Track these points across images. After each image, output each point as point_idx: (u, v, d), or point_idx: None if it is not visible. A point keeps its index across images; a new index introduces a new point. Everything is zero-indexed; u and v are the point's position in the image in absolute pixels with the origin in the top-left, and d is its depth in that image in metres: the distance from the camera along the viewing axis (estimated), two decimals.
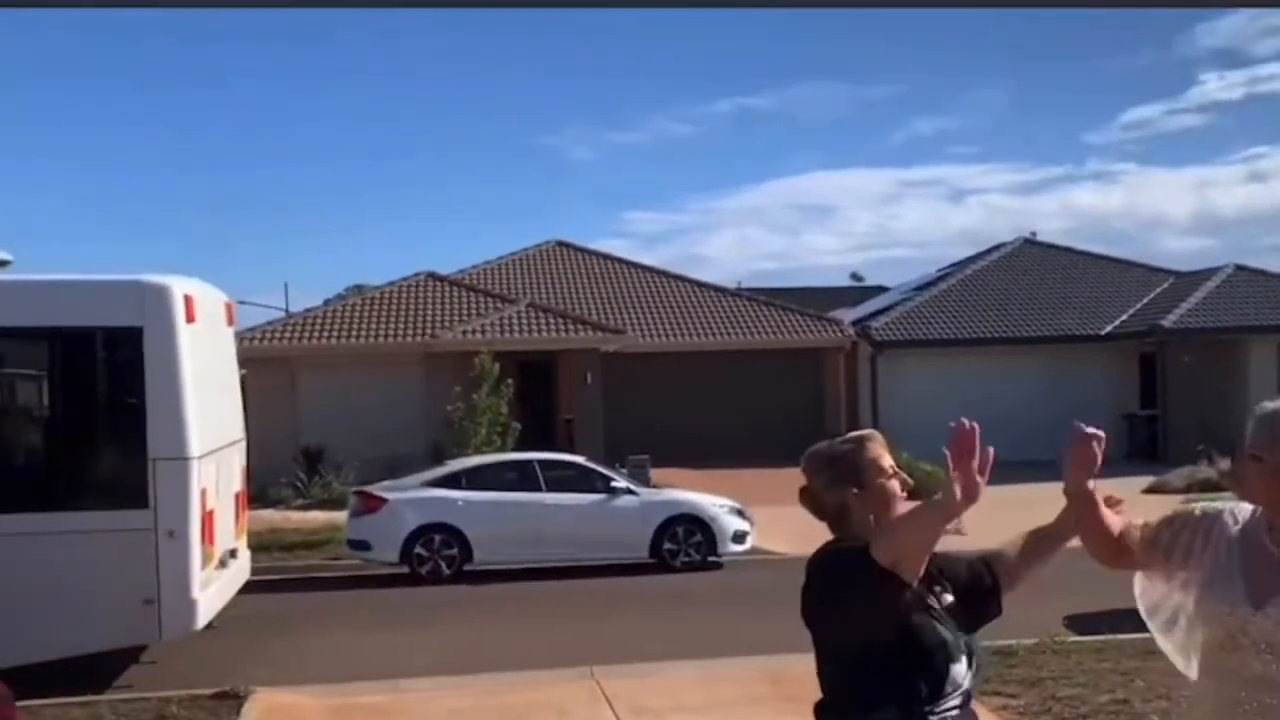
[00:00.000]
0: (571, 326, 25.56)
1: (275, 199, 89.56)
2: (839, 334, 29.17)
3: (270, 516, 19.20)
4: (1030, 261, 31.94)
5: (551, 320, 25.69)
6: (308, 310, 27.04)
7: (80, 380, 9.04)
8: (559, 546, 14.49)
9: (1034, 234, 35.14)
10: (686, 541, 14.70)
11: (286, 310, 41.44)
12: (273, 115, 79.67)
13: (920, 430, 25.87)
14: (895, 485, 2.96)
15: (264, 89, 76.51)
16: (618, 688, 8.12)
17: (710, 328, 29.09)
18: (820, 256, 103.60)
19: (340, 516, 16.45)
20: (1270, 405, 2.94)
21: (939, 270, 35.65)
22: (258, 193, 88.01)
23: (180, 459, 8.70)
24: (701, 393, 26.96)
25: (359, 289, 28.11)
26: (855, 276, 63.29)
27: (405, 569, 14.19)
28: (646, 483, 16.59)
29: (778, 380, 27.87)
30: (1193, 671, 3.07)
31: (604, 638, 10.44)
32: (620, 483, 15.22)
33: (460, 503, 14.33)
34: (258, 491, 21.35)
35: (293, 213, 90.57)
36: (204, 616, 8.97)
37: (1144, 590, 3.15)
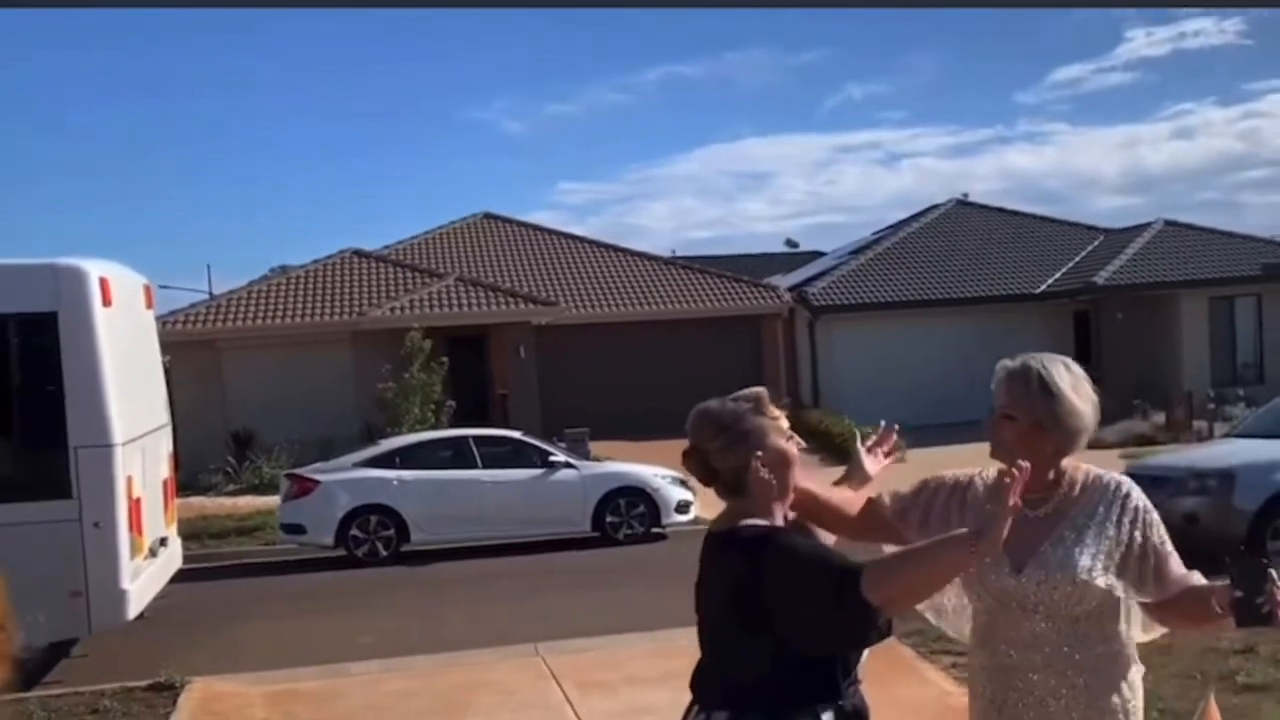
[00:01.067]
0: (502, 299, 25.41)
1: (193, 179, 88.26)
2: (776, 300, 29.26)
3: (201, 503, 18.99)
4: (964, 223, 32.28)
5: (481, 294, 25.52)
6: (231, 292, 26.59)
7: None
8: (498, 523, 14.45)
9: (966, 195, 35.49)
10: (629, 514, 14.72)
11: (210, 293, 40.86)
12: (187, 91, 78.39)
13: (859, 394, 26.22)
14: (794, 447, 2.83)
15: (181, 62, 75.27)
16: (564, 664, 8.11)
17: (645, 297, 29.06)
18: (756, 224, 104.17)
19: (273, 501, 16.29)
20: (1011, 363, 2.95)
21: (874, 234, 35.89)
22: (175, 173, 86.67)
23: (103, 446, 8.54)
24: (638, 363, 26.96)
25: (283, 269, 27.72)
26: (790, 243, 63.66)
27: (341, 552, 14.09)
28: (586, 456, 16.57)
29: (715, 349, 27.90)
30: (969, 637, 3.11)
31: (548, 614, 10.42)
32: (559, 456, 15.18)
33: (395, 482, 14.23)
34: (188, 478, 21.07)
35: (212, 193, 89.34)
36: (135, 607, 8.84)
37: None
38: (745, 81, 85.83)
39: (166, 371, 21.10)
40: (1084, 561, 2.83)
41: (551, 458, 15.06)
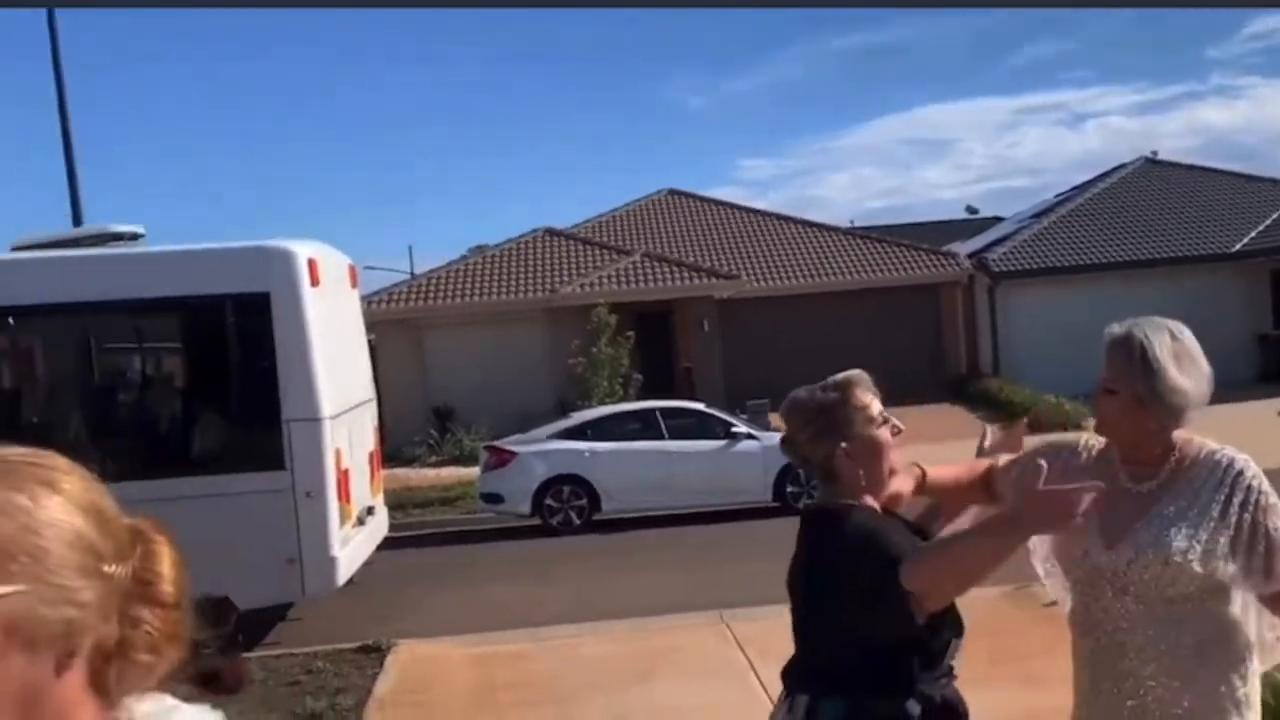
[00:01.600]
0: (686, 275, 25.43)
1: (398, 164, 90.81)
2: (955, 267, 28.51)
3: (406, 474, 19.55)
4: (1152, 182, 30.67)
5: (666, 269, 25.59)
6: (431, 271, 27.29)
7: (214, 347, 9.22)
8: (684, 493, 14.48)
9: (1155, 153, 33.76)
10: (809, 484, 14.55)
11: (411, 273, 41.96)
12: (393, 82, 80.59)
13: (1040, 362, 25.36)
14: (886, 433, 2.70)
15: (384, 56, 77.34)
16: (747, 630, 8.06)
17: (824, 268, 28.68)
18: (936, 191, 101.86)
19: (473, 472, 16.67)
20: (1117, 330, 2.73)
21: (1057, 196, 34.52)
22: (381, 158, 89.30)
23: (313, 420, 8.81)
24: (818, 334, 26.60)
25: (480, 249, 28.26)
26: (970, 209, 61.85)
27: (537, 520, 14.33)
28: (766, 427, 16.44)
29: (894, 318, 27.39)
30: (1067, 603, 2.94)
31: (732, 581, 10.39)
32: (741, 428, 15.12)
33: (587, 453, 14.40)
34: (392, 451, 21.74)
35: (415, 177, 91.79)
36: (344, 573, 9.13)
37: None
38: (924, 47, 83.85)
39: (372, 349, 21.79)
40: (1179, 543, 2.61)
41: (734, 429, 15.02)
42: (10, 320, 9.59)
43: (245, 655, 8.46)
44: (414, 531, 14.66)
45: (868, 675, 2.57)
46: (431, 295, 25.51)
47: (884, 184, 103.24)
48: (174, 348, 9.86)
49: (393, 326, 24.51)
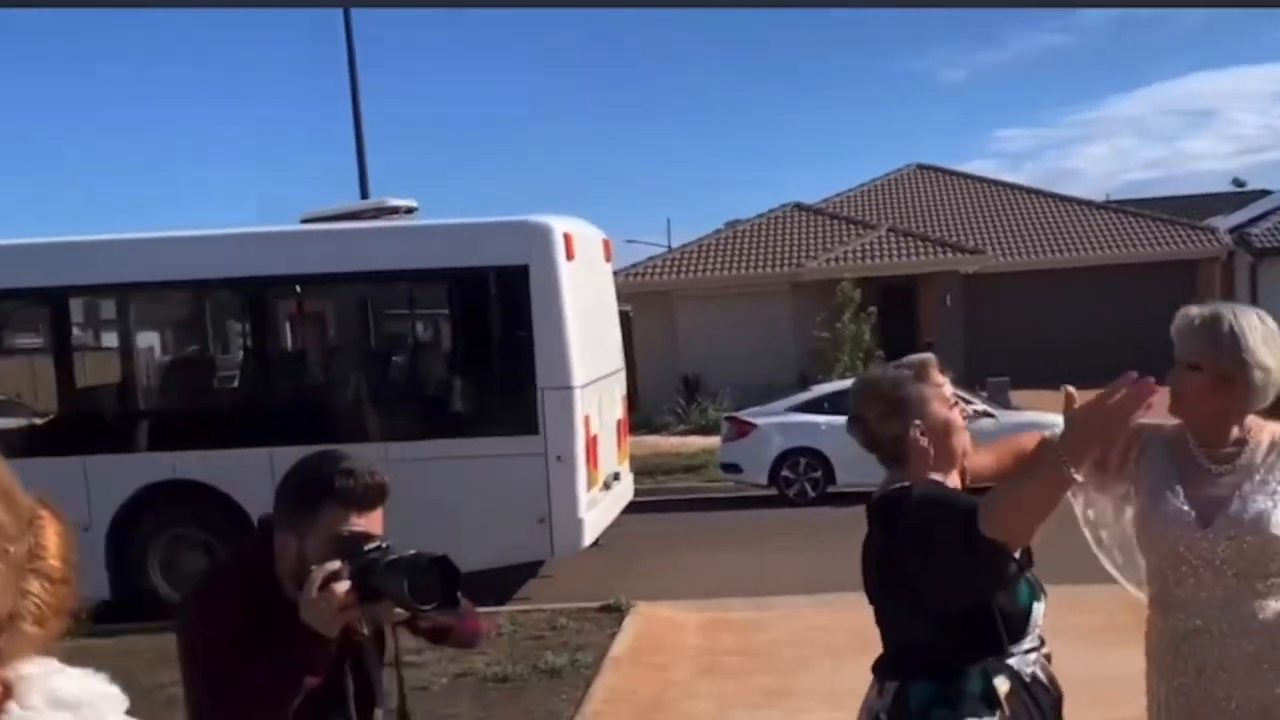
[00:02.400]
0: (930, 249, 24.72)
1: (658, 140, 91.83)
2: (1214, 243, 26.68)
3: (654, 441, 19.77)
4: None
5: (911, 244, 24.95)
6: (684, 245, 27.47)
7: (474, 317, 9.51)
8: None
9: None
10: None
11: (668, 246, 42.41)
12: (651, 56, 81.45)
13: None
14: (957, 415, 2.59)
15: (638, 28, 78.30)
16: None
17: (1073, 243, 27.35)
18: (1200, 163, 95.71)
19: (716, 441, 16.72)
20: (1201, 310, 2.70)
21: None
22: (646, 134, 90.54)
23: (565, 388, 8.98)
24: (1065, 311, 25.44)
25: (733, 224, 28.27)
26: (1237, 182, 57.66)
27: (774, 491, 14.25)
28: (1006, 404, 15.83)
29: (1146, 295, 25.78)
30: (1143, 595, 2.82)
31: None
32: (978, 405, 14.59)
33: (823, 427, 14.18)
34: (642, 419, 22.08)
35: (676, 150, 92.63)
36: (590, 535, 9.31)
37: (1086, 506, 2.89)
38: (1190, 13, 78.65)
39: (627, 319, 22.17)
40: (1277, 517, 2.55)
41: (971, 406, 14.51)
42: (298, 288, 10.18)
43: (488, 611, 8.74)
44: (658, 497, 14.80)
45: (954, 653, 2.46)
46: (684, 268, 25.67)
47: (1145, 155, 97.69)
48: (439, 316, 10.26)
49: (647, 298, 24.81)
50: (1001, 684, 2.46)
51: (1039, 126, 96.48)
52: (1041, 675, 2.55)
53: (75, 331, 10.42)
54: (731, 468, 14.69)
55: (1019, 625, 2.52)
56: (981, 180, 31.74)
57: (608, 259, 11.02)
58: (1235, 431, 2.67)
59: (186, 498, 9.24)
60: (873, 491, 2.69)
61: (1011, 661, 2.48)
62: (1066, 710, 2.63)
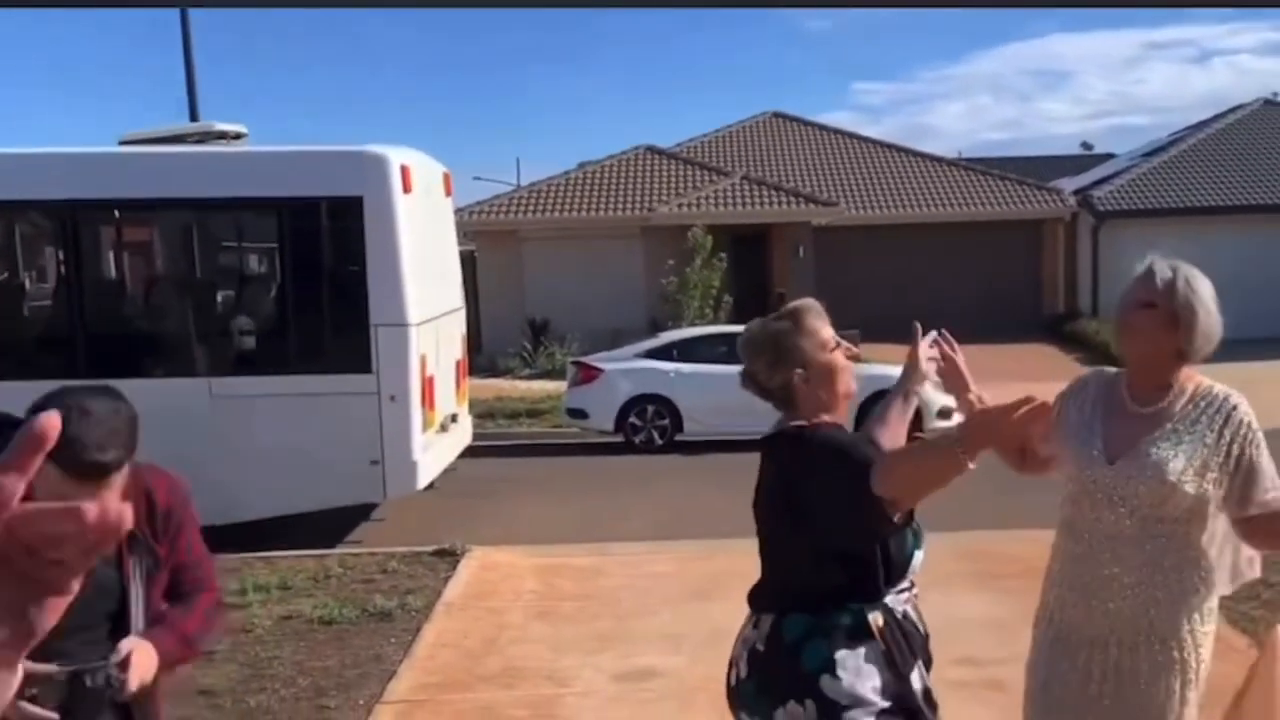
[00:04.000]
0: (783, 199, 25.05)
1: (513, 76, 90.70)
2: (1059, 204, 27.70)
3: (499, 385, 19.69)
4: (1271, 124, 29.28)
5: (764, 193, 25.24)
6: (533, 184, 27.23)
7: (305, 249, 9.23)
8: (766, 418, 14.31)
9: (1275, 94, 32.30)
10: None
11: (517, 185, 42.00)
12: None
13: None
14: (840, 358, 2.77)
15: None
16: None
17: (924, 199, 28.06)
18: (1053, 125, 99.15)
19: (562, 386, 16.71)
20: (1162, 259, 2.93)
21: (1170, 135, 33.28)
22: (498, 69, 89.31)
23: (400, 325, 8.85)
24: (914, 266, 26.15)
25: (584, 164, 28.14)
26: (1085, 145, 59.87)
27: (620, 438, 14.33)
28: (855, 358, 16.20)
29: (993, 254, 26.78)
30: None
31: None
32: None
33: (672, 374, 14.32)
34: (487, 361, 21.96)
35: (528, 91, 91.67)
36: (425, 477, 9.22)
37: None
38: None
39: (472, 259, 21.86)
40: (1177, 464, 2.80)
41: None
42: (116, 213, 9.77)
43: (317, 554, 8.61)
44: (500, 442, 14.78)
45: (834, 590, 2.63)
46: (532, 208, 25.49)
47: (1000, 115, 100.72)
48: (268, 247, 9.96)
49: (493, 237, 24.58)
50: (876, 618, 2.63)
51: (899, 81, 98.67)
52: (912, 613, 2.73)
53: None
54: (577, 413, 14.72)
55: (899, 571, 2.69)
56: (837, 132, 32.22)
57: (448, 193, 10.84)
58: (1168, 377, 2.90)
59: None
60: (766, 433, 2.84)
61: (887, 599, 2.66)
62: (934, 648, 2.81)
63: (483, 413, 15.31)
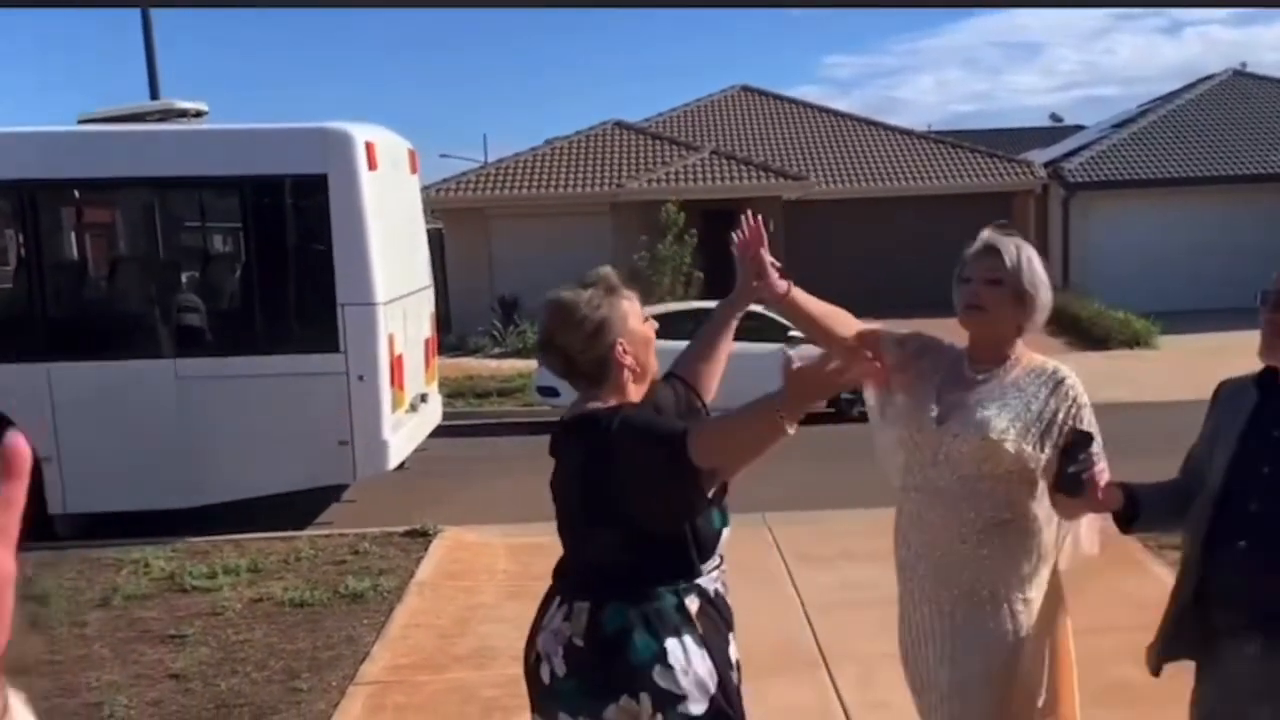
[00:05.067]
0: (753, 173, 25.09)
1: (477, 54, 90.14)
2: (1029, 176, 27.85)
3: (468, 364, 19.65)
4: (1241, 95, 29.44)
5: (734, 167, 25.25)
6: (500, 161, 27.15)
7: (270, 228, 9.20)
8: (738, 395, 14.31)
9: (1244, 65, 32.50)
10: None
11: (484, 162, 41.85)
12: None
13: (1114, 277, 24.78)
14: (650, 329, 2.71)
15: None
16: (787, 534, 8.08)
17: (895, 172, 28.14)
18: (1022, 98, 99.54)
19: (533, 364, 16.70)
20: (1001, 235, 3.01)
21: (1139, 107, 33.46)
22: (460, 48, 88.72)
23: (367, 305, 8.84)
24: (885, 240, 26.24)
25: (552, 141, 28.07)
26: (1054, 117, 60.02)
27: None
28: None
29: (964, 227, 26.29)
30: (894, 479, 3.20)
31: (779, 484, 10.37)
32: (798, 332, 14.93)
33: None
34: (456, 340, 21.91)
35: (495, 67, 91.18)
36: (395, 457, 9.23)
37: (880, 401, 3.23)
38: None
39: (439, 237, 21.75)
40: (999, 423, 2.91)
41: (791, 333, 14.84)
42: (76, 193, 9.70)
43: (287, 535, 8.62)
44: (471, 421, 14.77)
45: (650, 574, 2.56)
46: (499, 184, 25.41)
47: (970, 88, 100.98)
48: (233, 227, 9.92)
49: (461, 215, 24.50)
50: (692, 602, 2.58)
51: (868, 54, 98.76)
52: (723, 590, 2.69)
53: None
54: (548, 391, 14.68)
55: (709, 547, 2.64)
56: (806, 105, 32.25)
57: (414, 170, 10.80)
58: (1006, 350, 3.02)
59: None
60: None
61: (699, 580, 2.61)
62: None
63: (453, 392, 15.30)
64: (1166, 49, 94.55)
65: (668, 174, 24.66)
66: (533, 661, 2.67)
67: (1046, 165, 28.48)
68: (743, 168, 25.25)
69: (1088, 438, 2.78)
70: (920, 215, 26.72)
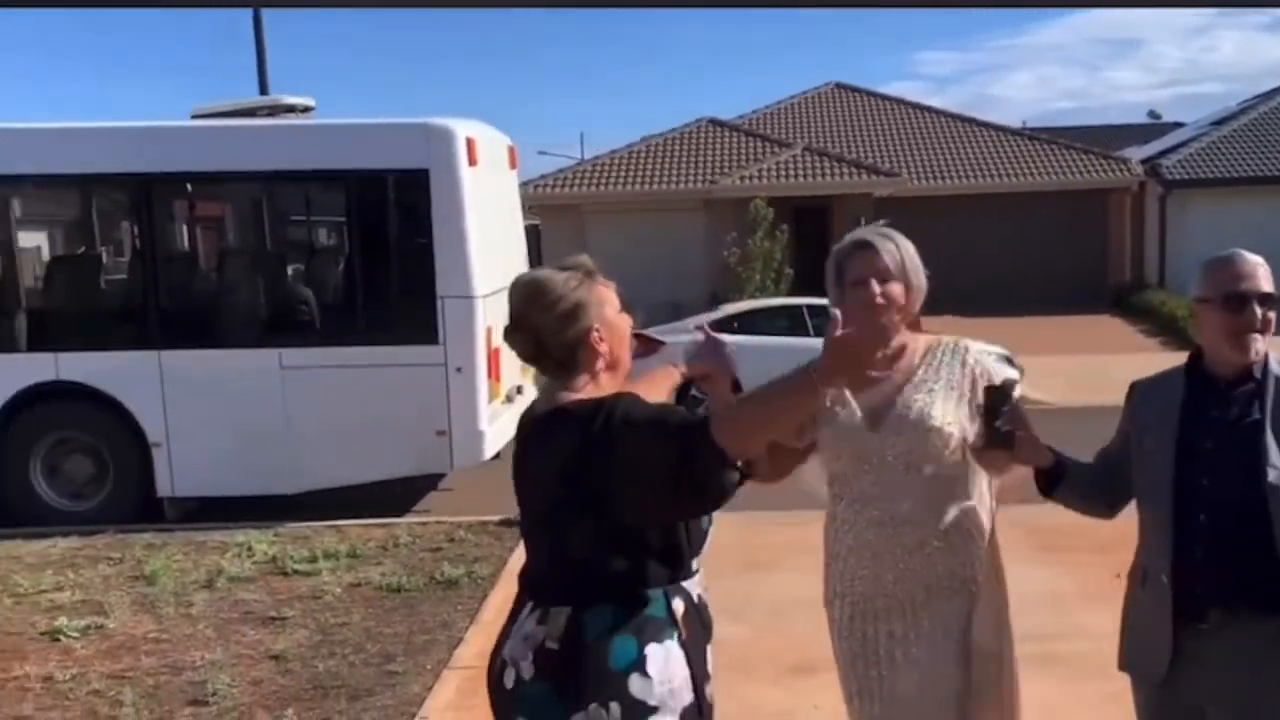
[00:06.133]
0: (845, 170, 24.81)
1: (574, 52, 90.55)
2: (1125, 173, 27.18)
3: None
4: None
5: (826, 164, 25.00)
6: (597, 158, 27.20)
7: (373, 221, 9.25)
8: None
9: None
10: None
11: (581, 159, 42.00)
12: None
13: None
14: (626, 322, 2.56)
15: None
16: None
17: (988, 170, 27.64)
18: (1121, 94, 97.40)
19: None
20: (879, 231, 3.03)
21: (1240, 104, 32.49)
22: (558, 46, 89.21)
23: (466, 298, 8.86)
24: (979, 237, 25.80)
25: (647, 138, 28.04)
26: (1152, 114, 58.60)
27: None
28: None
29: (1059, 224, 26.33)
30: (822, 491, 3.12)
31: None
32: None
33: (730, 347, 14.20)
34: None
35: (593, 64, 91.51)
36: (491, 448, 9.24)
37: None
38: None
39: (536, 232, 21.86)
40: (937, 410, 2.89)
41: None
42: (189, 186, 9.86)
43: (385, 523, 8.69)
44: None
45: (639, 573, 2.37)
46: (595, 181, 25.45)
47: (1068, 84, 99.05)
48: (337, 219, 10.01)
49: (557, 211, 24.58)
50: (678, 604, 2.41)
51: (964, 51, 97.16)
52: (704, 595, 2.52)
53: None
54: None
55: (698, 546, 2.48)
56: (900, 102, 31.85)
57: (513, 166, 10.81)
58: (900, 340, 3.00)
59: (71, 400, 9.00)
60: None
61: (685, 583, 2.44)
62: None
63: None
64: (1268, 46, 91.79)
65: (760, 171, 24.50)
66: (497, 669, 2.45)
67: (1143, 162, 27.78)
68: (835, 165, 24.98)
69: (1005, 392, 2.76)
70: (1014, 212, 26.26)
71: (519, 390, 10.41)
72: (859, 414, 2.94)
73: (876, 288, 2.92)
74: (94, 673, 5.71)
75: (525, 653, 2.39)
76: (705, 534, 2.51)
